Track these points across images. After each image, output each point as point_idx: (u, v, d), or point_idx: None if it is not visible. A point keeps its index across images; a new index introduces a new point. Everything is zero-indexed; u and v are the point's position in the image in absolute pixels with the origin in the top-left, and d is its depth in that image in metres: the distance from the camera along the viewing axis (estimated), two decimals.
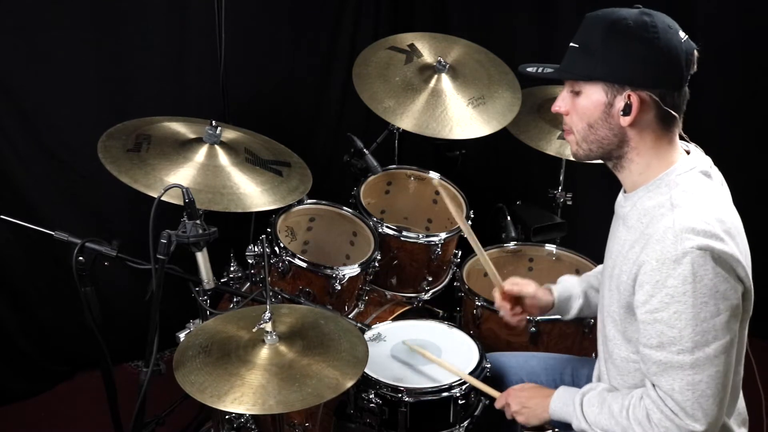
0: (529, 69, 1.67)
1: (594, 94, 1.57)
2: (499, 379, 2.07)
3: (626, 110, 1.54)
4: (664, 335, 1.50)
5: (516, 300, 1.97)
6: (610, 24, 1.53)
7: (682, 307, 1.47)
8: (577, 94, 1.61)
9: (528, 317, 2.00)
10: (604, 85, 1.56)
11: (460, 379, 1.98)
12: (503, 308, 1.98)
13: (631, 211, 1.63)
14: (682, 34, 1.54)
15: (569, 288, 1.99)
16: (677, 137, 1.62)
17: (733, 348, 1.53)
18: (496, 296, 1.98)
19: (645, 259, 1.51)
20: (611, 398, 1.66)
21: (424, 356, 2.05)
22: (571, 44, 1.59)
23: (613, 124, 1.58)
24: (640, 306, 1.54)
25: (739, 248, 1.52)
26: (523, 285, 1.97)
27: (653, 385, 1.56)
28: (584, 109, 1.59)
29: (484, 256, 1.97)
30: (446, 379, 2.00)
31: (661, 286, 1.48)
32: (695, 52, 1.55)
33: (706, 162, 1.63)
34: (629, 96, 1.53)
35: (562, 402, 1.75)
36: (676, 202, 1.53)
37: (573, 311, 1.98)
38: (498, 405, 1.89)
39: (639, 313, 1.55)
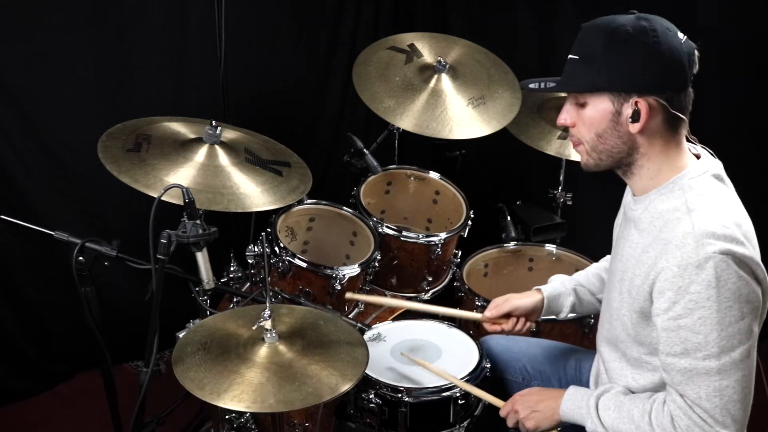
0: (532, 85, 1.66)
1: (600, 104, 1.56)
2: (501, 365, 2.07)
3: (635, 117, 1.53)
4: (689, 342, 1.49)
5: (507, 317, 1.96)
6: (609, 33, 1.52)
7: (707, 312, 1.46)
8: (582, 105, 1.59)
9: (530, 322, 1.99)
10: (610, 94, 1.55)
11: (461, 380, 1.97)
12: (502, 331, 1.97)
13: (642, 215, 1.62)
14: (680, 35, 1.53)
15: (558, 287, 1.98)
16: (684, 140, 1.61)
17: (755, 351, 1.52)
18: (489, 327, 1.98)
19: (664, 266, 1.49)
20: (630, 402, 1.63)
21: (425, 367, 2.03)
22: (571, 56, 1.58)
23: (622, 132, 1.56)
24: (661, 314, 1.52)
25: (756, 251, 1.51)
26: (500, 305, 1.95)
27: (680, 395, 1.54)
28: (591, 120, 1.58)
29: (452, 312, 2.08)
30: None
31: (684, 292, 1.47)
32: (696, 52, 1.55)
33: (717, 166, 1.62)
34: (636, 102, 1.52)
35: (574, 404, 1.72)
36: (692, 206, 1.52)
37: (565, 308, 1.97)
38: (503, 413, 1.85)
39: (660, 320, 1.53)
